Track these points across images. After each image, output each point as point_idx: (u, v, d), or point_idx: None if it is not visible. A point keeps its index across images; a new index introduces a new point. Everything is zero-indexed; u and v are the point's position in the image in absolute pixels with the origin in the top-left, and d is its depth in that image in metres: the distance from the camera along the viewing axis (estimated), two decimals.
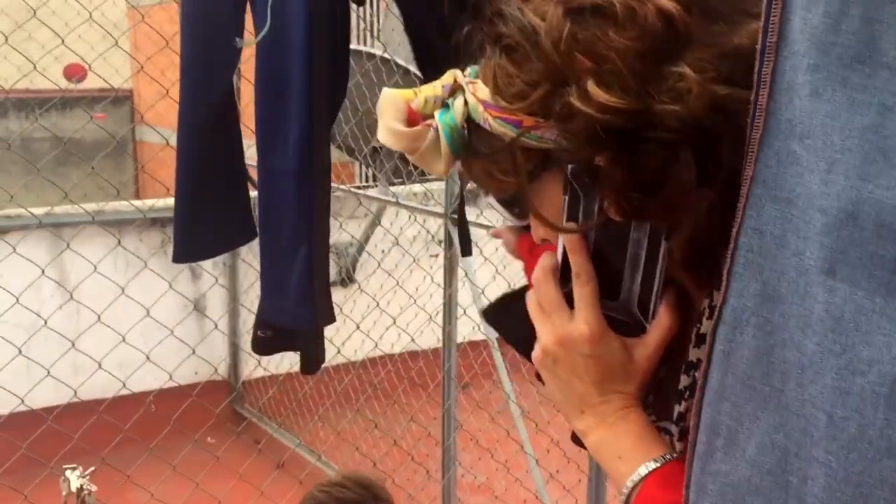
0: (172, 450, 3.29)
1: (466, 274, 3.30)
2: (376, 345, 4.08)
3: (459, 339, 3.29)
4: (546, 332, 0.91)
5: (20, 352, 3.21)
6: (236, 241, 1.77)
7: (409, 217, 4.38)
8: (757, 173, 0.74)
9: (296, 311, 1.56)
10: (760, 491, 0.74)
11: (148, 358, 3.32)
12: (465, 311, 3.30)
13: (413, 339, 4.28)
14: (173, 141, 3.67)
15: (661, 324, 0.92)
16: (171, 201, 4.23)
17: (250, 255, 4.31)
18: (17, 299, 3.16)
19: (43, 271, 3.47)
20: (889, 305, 0.67)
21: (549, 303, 0.91)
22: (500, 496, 3.65)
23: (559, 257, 0.92)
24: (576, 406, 0.91)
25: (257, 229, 1.70)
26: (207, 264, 4.33)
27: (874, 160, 0.68)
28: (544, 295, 0.92)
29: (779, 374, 0.73)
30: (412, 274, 4.28)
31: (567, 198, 0.88)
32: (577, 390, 0.91)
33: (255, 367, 4.49)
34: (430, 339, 4.33)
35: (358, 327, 3.89)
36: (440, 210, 3.45)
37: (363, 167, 5.61)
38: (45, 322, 3.32)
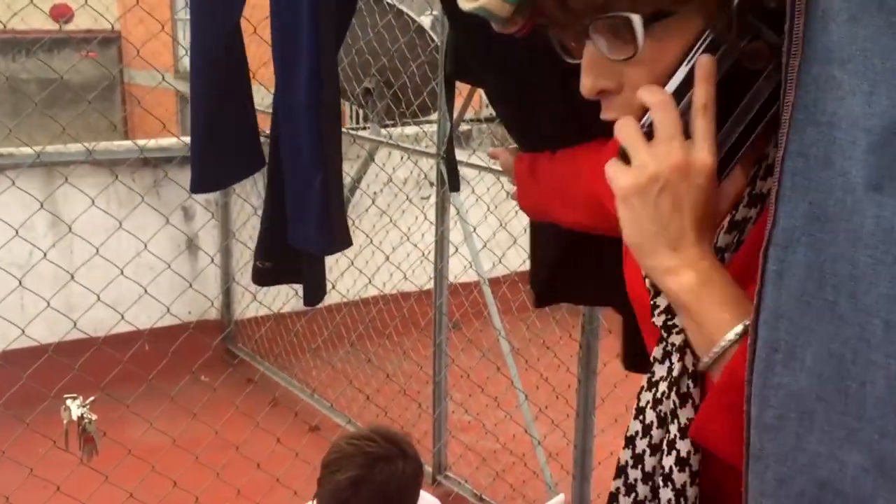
0: (167, 387, 3.29)
1: (458, 212, 3.28)
2: (370, 281, 4.07)
3: (451, 279, 3.28)
4: (661, 156, 0.84)
5: (20, 283, 3.18)
6: (247, 170, 1.79)
7: (402, 158, 4.34)
8: (798, 99, 0.76)
9: (318, 237, 1.59)
10: (822, 397, 0.76)
11: (146, 291, 3.28)
12: (456, 249, 3.28)
13: (406, 277, 4.28)
14: (163, 83, 3.64)
15: (736, 182, 0.89)
16: (163, 141, 4.23)
17: (244, 193, 4.28)
18: (17, 231, 3.12)
19: (42, 205, 3.42)
20: None
21: (670, 127, 0.84)
22: (491, 431, 3.68)
23: (671, 87, 0.87)
24: (668, 242, 0.85)
25: (265, 159, 1.75)
26: (200, 203, 4.30)
27: None
28: (666, 120, 0.84)
29: (831, 287, 0.75)
30: (404, 214, 4.25)
31: (704, 36, 0.84)
32: (675, 224, 0.85)
33: (248, 305, 4.48)
34: (422, 278, 4.33)
35: (352, 263, 3.87)
36: (432, 150, 3.42)
37: (355, 108, 5.55)
38: (45, 254, 3.28)
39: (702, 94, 0.84)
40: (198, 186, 1.73)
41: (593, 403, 2.87)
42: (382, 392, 4.02)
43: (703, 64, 0.84)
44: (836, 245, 0.75)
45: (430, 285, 3.41)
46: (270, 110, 1.75)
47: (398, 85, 3.87)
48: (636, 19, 0.84)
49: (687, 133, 0.85)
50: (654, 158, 0.84)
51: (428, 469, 3.48)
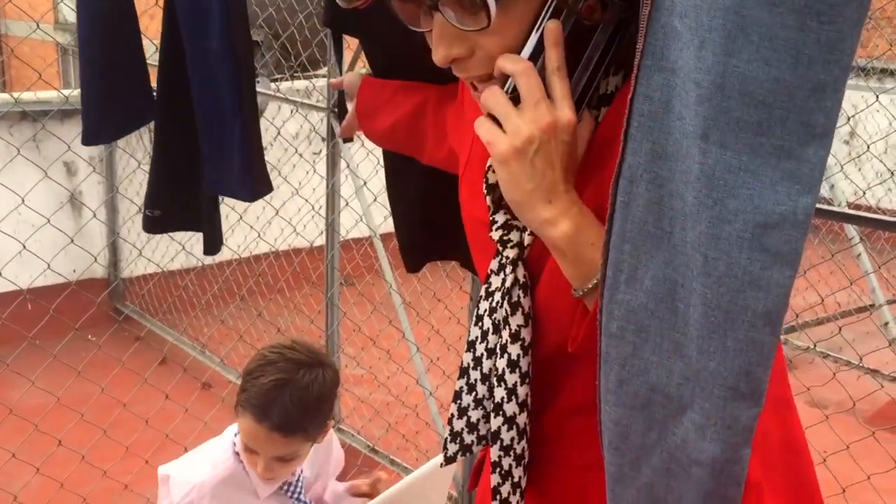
0: (51, 346, 3.24)
1: (349, 166, 3.31)
2: (259, 236, 4.06)
3: (342, 234, 3.31)
4: (530, 120, 0.92)
5: None
6: (140, 121, 1.79)
7: (292, 112, 4.33)
8: (647, 46, 0.82)
9: (240, 184, 1.61)
10: (655, 314, 0.85)
11: (24, 247, 3.21)
12: (347, 203, 3.31)
13: (297, 233, 4.28)
14: (39, 32, 3.53)
15: (588, 125, 0.99)
16: (42, 94, 4.10)
17: (129, 148, 4.20)
18: None
19: None
20: (752, 163, 0.76)
21: (536, 92, 0.93)
22: (383, 383, 3.75)
23: (525, 53, 0.95)
24: (544, 195, 0.94)
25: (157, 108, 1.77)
26: (83, 158, 4.20)
27: (736, 37, 0.75)
28: (531, 86, 0.93)
29: (668, 219, 0.83)
30: (294, 169, 4.25)
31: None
32: (548, 178, 0.94)
33: (135, 262, 4.42)
34: (314, 232, 4.34)
35: (241, 218, 3.86)
36: (323, 104, 3.43)
37: None
38: None
39: (554, 57, 0.93)
40: (90, 139, 1.72)
41: None
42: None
43: (552, 29, 0.93)
44: (673, 182, 0.83)
45: (322, 240, 3.44)
46: (152, 62, 1.75)
47: (286, 37, 3.85)
48: None
49: (546, 97, 0.94)
50: (526, 122, 0.92)
51: None
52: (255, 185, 1.68)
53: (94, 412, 3.05)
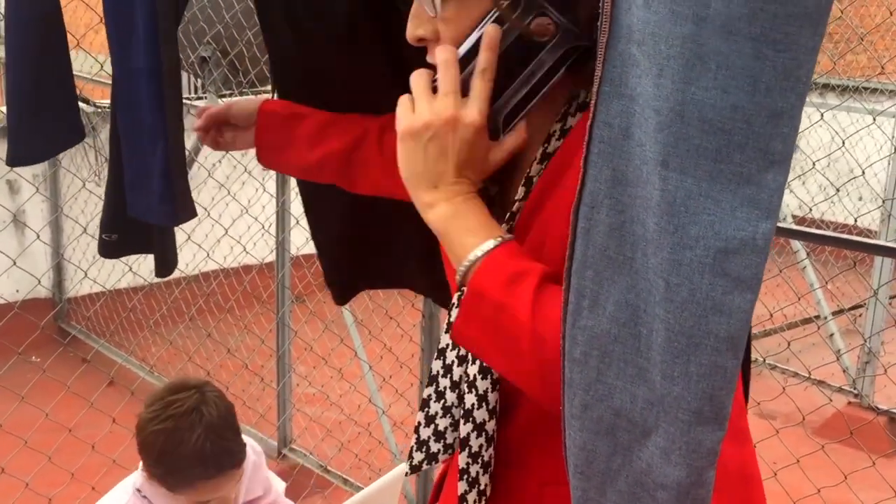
0: None
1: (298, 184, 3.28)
2: (208, 255, 4.02)
3: (293, 251, 3.29)
4: (435, 109, 0.98)
5: None
6: (67, 142, 1.75)
7: None
8: (605, 73, 0.83)
9: (160, 207, 1.58)
10: (618, 339, 0.85)
11: None
12: (297, 221, 3.29)
13: (246, 251, 4.24)
14: None
15: (518, 136, 1.02)
16: None
17: (73, 166, 4.13)
18: None
19: None
20: (713, 189, 0.77)
21: (448, 85, 0.98)
22: (336, 402, 3.72)
23: (461, 51, 1.00)
24: (430, 180, 1.00)
25: (85, 131, 1.72)
26: (27, 176, 4.14)
27: (694, 65, 0.76)
28: (446, 78, 0.98)
29: (629, 245, 0.84)
30: (244, 186, 4.22)
31: (500, 2, 0.97)
32: (438, 167, 0.99)
33: (80, 282, 4.35)
34: (264, 250, 4.31)
35: (189, 238, 3.81)
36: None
37: (191, 78, 5.42)
38: None
39: (483, 59, 0.98)
40: (16, 160, 1.68)
41: None
42: (224, 367, 3.99)
43: (489, 34, 0.98)
44: (634, 209, 0.84)
45: (272, 258, 3.41)
46: (97, 79, 1.72)
47: (235, 53, 3.83)
48: None
49: (466, 92, 0.98)
50: (430, 110, 0.98)
51: (273, 443, 3.49)
52: (176, 209, 1.63)
53: (39, 437, 2.99)
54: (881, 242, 3.45)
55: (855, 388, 4.04)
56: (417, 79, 1.01)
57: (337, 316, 3.56)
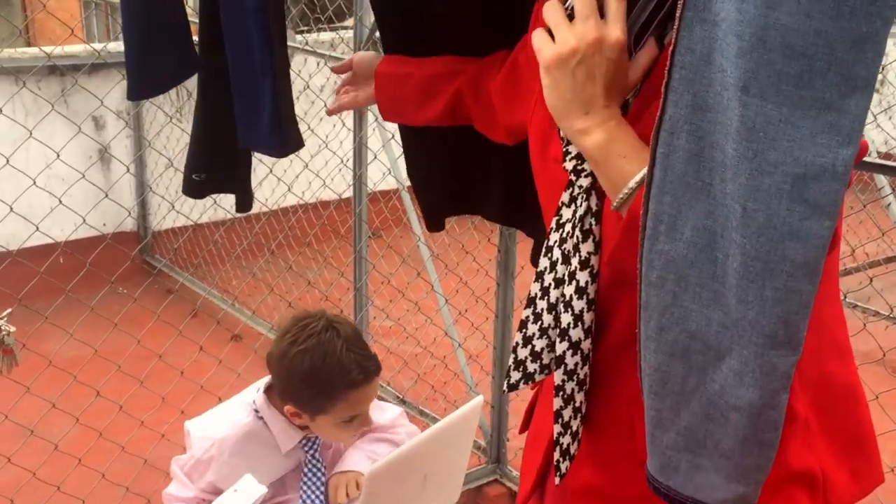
0: (86, 298, 3.29)
1: (376, 119, 3.32)
2: (289, 189, 4.09)
3: (370, 186, 3.33)
4: (580, 33, 0.99)
5: None
6: (184, 74, 1.80)
7: (318, 64, 4.32)
8: None
9: (270, 138, 1.63)
10: (695, 264, 0.87)
11: (60, 202, 3.25)
12: (375, 156, 3.32)
13: (325, 185, 4.31)
14: None
15: (651, 50, 1.03)
16: (70, 48, 4.13)
17: (157, 101, 4.22)
18: None
19: None
20: (793, 115, 0.77)
21: (587, 8, 0.99)
22: (412, 335, 3.79)
23: None
24: (581, 106, 1.00)
25: (202, 61, 1.79)
26: (112, 112, 4.24)
27: None
28: (584, 2, 0.99)
29: (707, 171, 0.85)
30: (322, 122, 4.26)
31: None
32: (588, 91, 1.00)
33: (165, 216, 4.47)
34: (342, 185, 4.36)
35: (271, 171, 3.88)
36: (349, 56, 3.42)
37: None
38: None
39: None
40: (136, 93, 1.74)
41: (512, 306, 2.97)
42: (304, 300, 4.09)
43: None
44: (714, 135, 0.84)
45: (350, 193, 3.46)
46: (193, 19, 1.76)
47: None
48: None
49: (602, 14, 0.99)
50: (574, 35, 0.99)
51: None
52: (287, 140, 1.70)
53: (131, 364, 3.11)
54: None
55: None
56: (551, 9, 1.01)
57: (413, 250, 3.60)
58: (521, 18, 1.39)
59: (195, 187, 1.83)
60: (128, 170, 4.08)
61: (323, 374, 1.80)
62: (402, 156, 2.79)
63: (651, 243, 0.89)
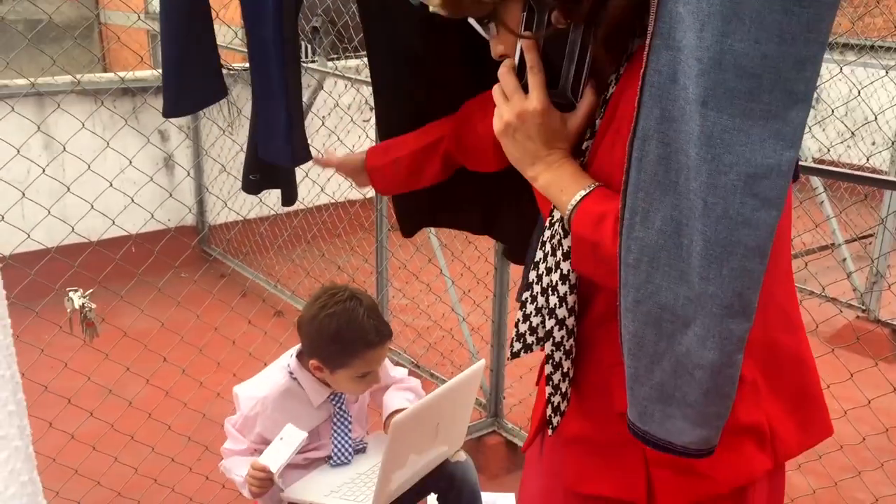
0: (154, 281, 3.31)
1: None
2: (322, 189, 4.09)
3: None
4: (508, 110, 1.06)
5: (23, 195, 3.14)
6: (211, 99, 1.80)
7: (346, 86, 4.33)
8: (656, 28, 0.83)
9: (283, 151, 1.63)
10: (664, 248, 0.88)
11: (132, 200, 3.26)
12: None
13: (352, 187, 4.29)
14: (136, 21, 3.55)
15: (586, 100, 1.07)
16: (139, 73, 4.14)
17: (212, 117, 4.23)
18: (18, 151, 3.06)
19: (38, 128, 3.35)
20: (745, 124, 0.78)
21: (510, 89, 1.06)
22: (424, 311, 3.79)
23: (516, 60, 1.07)
24: (529, 160, 1.07)
25: (227, 90, 1.78)
26: (174, 126, 4.24)
27: (731, 20, 0.77)
28: (507, 84, 1.06)
29: (674, 171, 0.85)
30: (349, 133, 4.27)
31: (525, 14, 1.04)
32: (530, 149, 1.06)
33: (219, 212, 4.48)
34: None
35: (307, 175, 3.88)
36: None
37: (305, 44, 5.46)
38: (44, 170, 3.24)
39: (529, 59, 1.05)
40: (169, 112, 1.74)
41: (507, 287, 2.98)
42: (334, 281, 4.09)
43: (525, 42, 1.05)
44: (678, 142, 0.85)
45: (373, 193, 3.46)
46: (231, 46, 1.76)
47: (341, 24, 3.84)
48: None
49: (520, 91, 1.06)
50: (506, 111, 1.07)
51: None
52: (295, 153, 1.69)
53: (191, 335, 3.12)
54: (890, 178, 3.33)
55: (863, 304, 3.96)
56: (495, 90, 1.09)
57: (425, 241, 3.61)
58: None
59: (252, 185, 1.84)
60: (188, 174, 4.08)
61: (347, 334, 1.82)
62: None
63: (628, 231, 0.90)
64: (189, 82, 1.72)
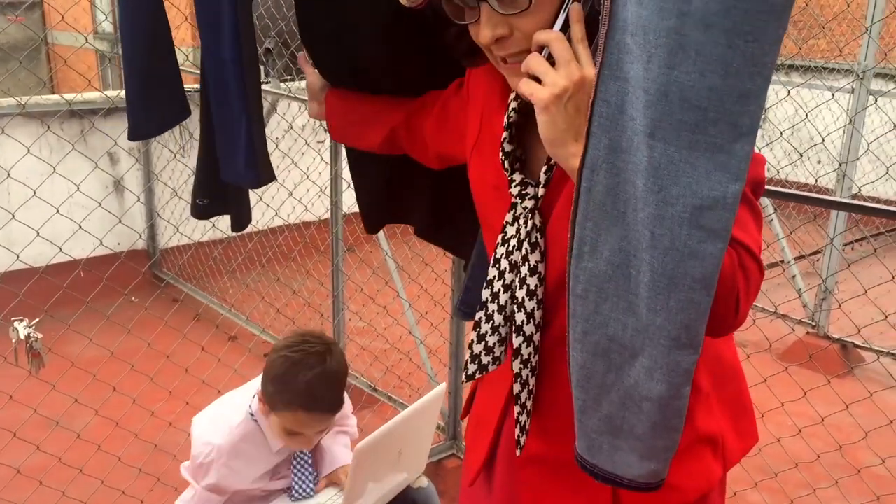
0: (103, 308, 3.23)
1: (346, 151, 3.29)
2: (276, 213, 4.05)
3: (345, 210, 3.31)
4: (564, 75, 0.96)
5: None
6: (175, 120, 1.75)
7: (299, 108, 4.30)
8: (605, 59, 0.83)
9: (246, 173, 1.59)
10: (612, 279, 0.87)
11: (80, 227, 3.19)
12: (349, 185, 3.30)
13: (307, 209, 4.28)
14: (82, 41, 3.50)
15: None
16: (88, 95, 4.06)
17: (163, 140, 4.17)
18: None
19: None
20: (691, 156, 0.77)
21: (567, 55, 0.97)
22: (381, 334, 3.76)
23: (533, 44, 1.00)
24: (574, 135, 0.98)
25: (190, 110, 1.75)
26: (124, 149, 4.17)
27: (677, 53, 0.77)
28: (563, 49, 0.97)
29: (622, 201, 0.85)
30: (303, 156, 4.24)
31: None
32: (578, 121, 0.97)
33: (171, 237, 4.41)
34: (321, 209, 4.34)
35: (261, 198, 3.85)
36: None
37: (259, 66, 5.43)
38: None
39: (577, 30, 0.98)
40: (135, 135, 1.70)
41: None
42: (290, 306, 4.05)
43: (575, 9, 0.99)
44: (626, 172, 0.84)
45: (328, 215, 3.44)
46: (184, 68, 1.73)
47: (295, 45, 3.82)
48: None
49: (575, 59, 0.98)
50: (561, 77, 0.97)
51: None
52: (260, 175, 1.66)
53: (142, 363, 3.05)
54: (837, 199, 3.41)
55: (813, 321, 4.03)
56: (536, 59, 0.99)
57: (382, 263, 3.58)
58: (442, 57, 1.37)
59: (200, 210, 1.79)
60: (138, 199, 4.01)
61: (288, 383, 1.74)
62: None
63: (577, 261, 0.89)
64: (153, 104, 1.68)
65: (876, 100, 4.55)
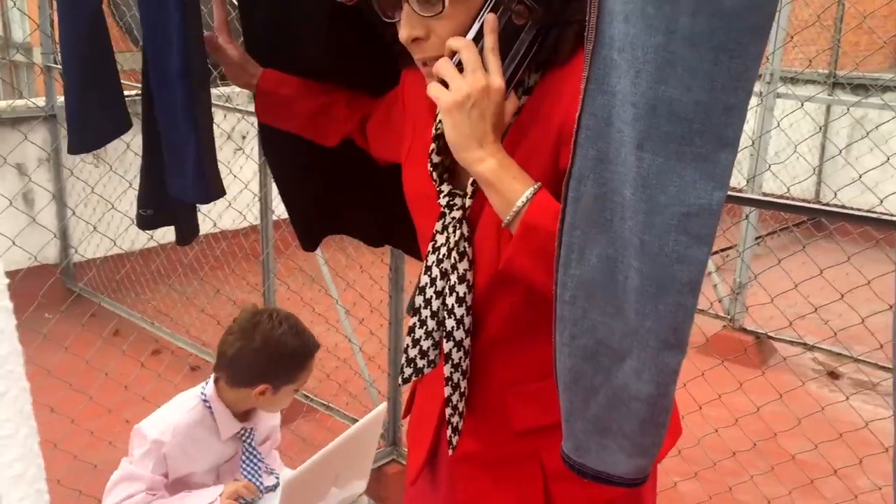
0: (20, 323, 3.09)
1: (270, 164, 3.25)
2: (206, 216, 3.96)
3: (275, 217, 3.27)
4: (469, 82, 1.02)
5: None
6: (117, 132, 1.71)
7: (224, 116, 4.23)
8: (591, 74, 0.86)
9: (194, 189, 1.56)
10: (601, 285, 0.91)
11: None
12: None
13: (243, 216, 4.20)
14: None
15: (513, 102, 1.09)
16: None
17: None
18: None
19: None
20: (678, 166, 0.81)
21: (474, 63, 1.02)
22: (319, 340, 3.73)
23: (449, 50, 1.05)
24: (476, 140, 1.03)
25: (132, 121, 1.70)
26: (32, 162, 4.02)
27: (664, 69, 0.81)
28: (471, 56, 1.03)
29: (609, 210, 0.88)
30: (231, 163, 4.17)
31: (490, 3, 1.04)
32: (480, 128, 1.03)
33: (85, 248, 4.27)
34: (250, 216, 4.27)
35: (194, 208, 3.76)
36: (242, 108, 3.39)
37: None
38: None
39: (490, 40, 1.03)
40: (75, 149, 1.66)
41: (402, 314, 2.97)
42: (219, 315, 3.97)
43: (489, 20, 1.04)
44: (614, 182, 0.88)
45: (258, 221, 3.39)
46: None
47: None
48: None
49: (483, 68, 1.03)
50: (466, 83, 1.02)
51: None
52: (208, 190, 1.63)
53: (78, 381, 2.94)
54: (748, 195, 3.56)
55: (728, 314, 4.22)
56: (444, 64, 1.04)
57: (318, 270, 3.56)
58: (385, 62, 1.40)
59: (145, 221, 1.76)
60: (45, 206, 3.87)
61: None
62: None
63: (565, 268, 0.93)
64: (94, 116, 1.64)
65: (775, 101, 4.77)
